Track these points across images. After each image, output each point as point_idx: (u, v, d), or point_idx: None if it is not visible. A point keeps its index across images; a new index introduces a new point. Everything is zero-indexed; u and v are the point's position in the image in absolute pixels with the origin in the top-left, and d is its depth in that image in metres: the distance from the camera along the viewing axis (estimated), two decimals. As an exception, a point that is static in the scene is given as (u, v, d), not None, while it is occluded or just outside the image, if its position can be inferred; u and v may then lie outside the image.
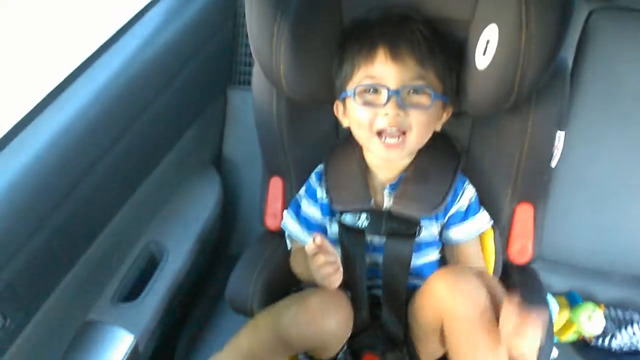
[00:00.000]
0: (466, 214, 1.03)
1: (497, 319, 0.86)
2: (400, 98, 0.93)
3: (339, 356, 1.01)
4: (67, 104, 0.92)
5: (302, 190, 1.12)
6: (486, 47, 0.91)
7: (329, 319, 0.91)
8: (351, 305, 0.97)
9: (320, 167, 1.10)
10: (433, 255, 1.05)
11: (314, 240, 0.90)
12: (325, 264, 0.91)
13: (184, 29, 1.14)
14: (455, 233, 1.03)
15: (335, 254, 0.93)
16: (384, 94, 0.94)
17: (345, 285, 0.99)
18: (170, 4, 1.16)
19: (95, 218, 0.97)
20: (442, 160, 1.04)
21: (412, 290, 1.00)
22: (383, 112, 0.94)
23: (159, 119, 1.08)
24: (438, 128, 1.02)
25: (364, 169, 1.04)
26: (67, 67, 0.99)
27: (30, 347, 0.86)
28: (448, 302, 0.88)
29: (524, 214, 1.08)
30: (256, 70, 1.08)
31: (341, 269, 0.93)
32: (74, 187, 0.89)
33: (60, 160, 0.88)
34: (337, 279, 0.93)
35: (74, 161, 0.91)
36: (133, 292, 1.03)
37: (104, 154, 0.96)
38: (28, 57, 1.12)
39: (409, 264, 0.99)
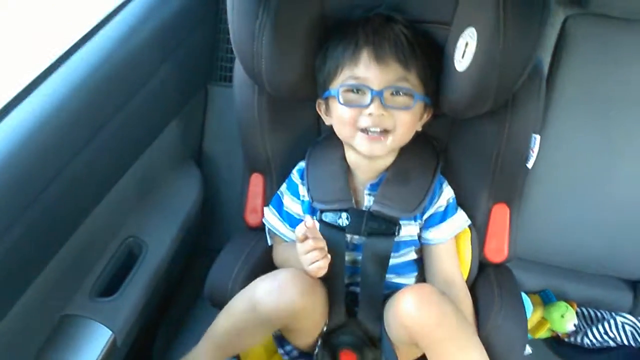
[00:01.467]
0: (444, 215, 1.05)
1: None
2: (383, 99, 0.94)
3: (316, 351, 1.02)
4: (44, 97, 0.91)
5: (284, 187, 1.12)
6: (465, 50, 0.93)
7: (300, 291, 0.92)
8: (326, 295, 0.99)
9: (302, 163, 1.11)
10: (411, 254, 1.07)
11: (305, 222, 0.92)
12: (313, 248, 0.93)
13: (164, 24, 1.14)
14: (433, 234, 1.05)
15: (324, 242, 0.94)
16: (367, 95, 0.95)
17: (324, 281, 1.00)
18: (151, -2, 1.15)
19: (74, 212, 0.96)
20: (422, 160, 1.06)
21: (390, 289, 1.01)
22: (367, 112, 0.95)
23: (139, 114, 1.07)
24: (419, 128, 1.03)
25: (345, 169, 1.05)
26: (44, 60, 0.97)
27: (6, 341, 0.85)
28: (420, 327, 0.89)
29: (499, 214, 1.10)
30: (237, 66, 1.08)
31: (329, 257, 0.94)
32: (52, 180, 0.89)
33: (38, 154, 0.87)
34: (324, 265, 0.94)
35: (52, 154, 0.90)
36: (111, 287, 1.03)
37: (83, 147, 0.95)
38: (2, 50, 1.10)
39: (388, 262, 1.01)
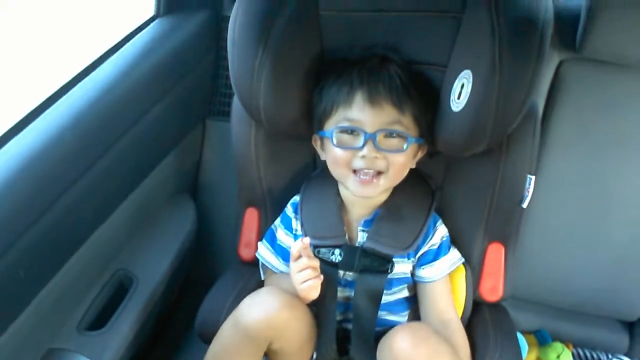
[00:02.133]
0: (437, 254, 1.05)
1: None
2: (376, 142, 0.95)
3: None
4: (41, 129, 0.92)
5: (278, 220, 1.12)
6: (461, 91, 0.94)
7: (280, 304, 0.93)
8: (312, 317, 0.99)
9: (296, 197, 1.11)
10: (404, 292, 1.06)
11: (301, 239, 0.93)
12: (306, 266, 0.93)
13: (165, 59, 1.15)
14: (426, 272, 1.04)
15: (318, 263, 0.95)
16: (360, 137, 0.95)
17: (316, 317, 0.99)
18: (153, 33, 1.17)
19: (66, 243, 0.96)
20: (417, 198, 1.06)
21: (382, 327, 1.00)
22: (360, 154, 0.96)
23: (136, 147, 1.08)
24: (413, 165, 1.04)
25: (340, 204, 1.05)
26: (43, 92, 0.98)
27: (-9, 374, 0.83)
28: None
29: (495, 253, 1.09)
30: (235, 102, 1.09)
31: (321, 277, 0.94)
32: (45, 211, 0.88)
33: (31, 186, 0.87)
34: (316, 285, 0.94)
35: (46, 186, 0.90)
36: (100, 320, 1.01)
37: (78, 178, 0.95)
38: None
39: (380, 300, 1.00)
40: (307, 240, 0.93)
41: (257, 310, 0.93)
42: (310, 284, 0.93)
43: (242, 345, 0.95)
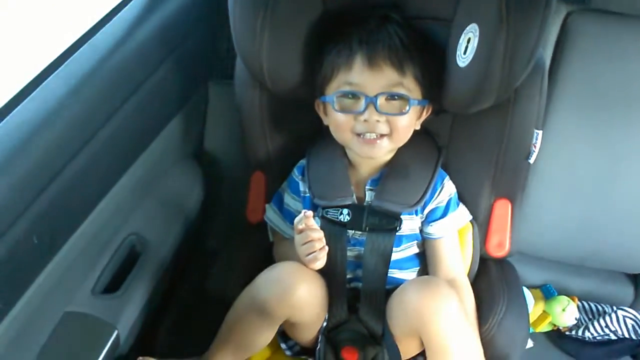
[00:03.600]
0: (445, 210, 1.05)
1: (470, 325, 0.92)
2: (377, 105, 0.94)
3: (318, 347, 1.02)
4: (44, 96, 0.91)
5: (285, 184, 1.12)
6: (467, 46, 0.93)
7: (297, 281, 0.94)
8: (326, 288, 1.00)
9: (302, 161, 1.11)
10: (413, 248, 1.07)
11: (303, 213, 0.93)
12: (310, 239, 0.94)
13: (165, 21, 1.13)
14: (435, 229, 1.05)
15: (322, 233, 0.95)
16: (362, 101, 0.95)
17: (326, 276, 1.00)
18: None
19: (76, 209, 0.96)
20: (423, 156, 1.06)
21: (392, 284, 1.02)
22: (361, 118, 0.95)
23: (140, 112, 1.07)
24: (418, 127, 1.03)
25: (346, 165, 1.05)
26: (43, 58, 0.97)
27: (9, 338, 0.85)
28: (422, 314, 0.90)
29: (501, 209, 1.10)
30: (239, 64, 1.08)
31: (326, 248, 0.95)
32: (53, 178, 0.89)
33: (39, 151, 0.87)
34: (322, 257, 0.95)
35: (53, 152, 0.90)
36: (114, 283, 1.03)
37: (84, 145, 0.95)
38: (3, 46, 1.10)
39: (390, 257, 1.01)
40: (309, 213, 0.93)
41: (275, 289, 0.94)
42: (315, 256, 0.94)
43: (258, 321, 0.96)
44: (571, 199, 1.33)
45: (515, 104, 1.01)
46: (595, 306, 1.43)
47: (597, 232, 1.35)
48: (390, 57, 0.94)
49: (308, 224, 0.94)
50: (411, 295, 0.91)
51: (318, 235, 0.95)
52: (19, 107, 0.89)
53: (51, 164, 0.89)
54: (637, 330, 1.36)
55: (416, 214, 1.04)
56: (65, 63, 0.97)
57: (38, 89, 0.92)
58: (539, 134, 1.04)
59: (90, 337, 0.95)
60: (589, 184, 1.31)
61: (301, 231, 0.94)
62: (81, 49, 1.00)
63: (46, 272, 0.90)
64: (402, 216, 1.02)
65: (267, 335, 1.00)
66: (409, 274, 1.08)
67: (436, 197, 1.05)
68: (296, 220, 0.95)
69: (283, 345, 1.08)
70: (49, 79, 0.94)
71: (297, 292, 0.93)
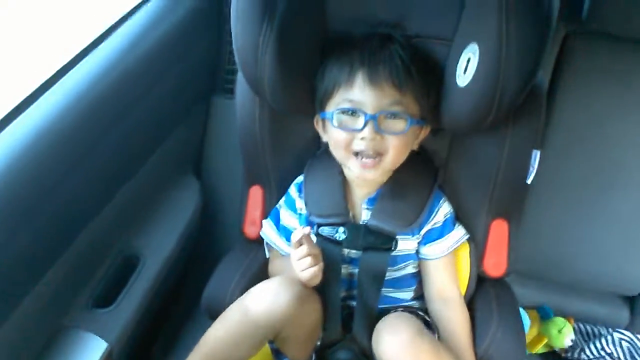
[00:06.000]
0: (441, 232, 1.05)
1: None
2: (377, 123, 0.94)
3: (312, 366, 1.02)
4: (43, 109, 0.91)
5: (282, 201, 1.12)
6: (467, 66, 0.93)
7: (291, 297, 0.93)
8: (321, 305, 0.99)
9: (300, 178, 1.10)
10: (409, 268, 1.07)
11: (302, 229, 0.93)
12: (307, 254, 0.93)
13: (168, 35, 1.14)
14: (430, 250, 1.05)
15: (319, 250, 0.95)
16: (361, 119, 0.95)
17: (320, 294, 1.00)
18: (154, 9, 1.15)
19: (73, 223, 0.96)
20: (420, 176, 1.06)
21: (387, 304, 1.02)
22: (360, 136, 0.95)
23: (141, 125, 1.07)
24: (415, 147, 1.03)
25: (343, 183, 1.05)
26: (44, 71, 0.97)
27: (3, 352, 0.84)
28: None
29: (499, 229, 1.10)
30: (240, 78, 1.08)
31: (322, 264, 0.95)
32: (52, 190, 0.88)
33: (38, 164, 0.87)
34: (317, 272, 0.94)
35: (52, 165, 0.89)
36: (108, 298, 1.02)
37: (83, 157, 0.95)
38: (5, 58, 1.10)
39: (384, 277, 1.01)
40: (307, 229, 0.93)
41: (268, 303, 0.93)
42: (311, 272, 0.94)
43: (247, 334, 0.95)
44: (568, 219, 1.33)
45: (513, 124, 1.01)
46: (592, 328, 1.43)
47: (593, 253, 1.35)
48: (392, 76, 0.95)
49: (306, 239, 0.93)
50: (386, 348, 0.91)
51: (315, 252, 0.95)
52: (15, 120, 0.89)
53: (48, 178, 0.89)
54: (632, 353, 1.36)
55: (412, 235, 1.04)
56: (64, 77, 0.97)
57: (37, 102, 0.92)
58: (537, 154, 1.04)
59: (83, 352, 0.94)
60: (586, 205, 1.32)
61: (298, 246, 0.94)
62: (82, 61, 1.00)
63: (41, 285, 0.89)
64: (398, 236, 1.01)
65: (252, 349, 0.97)
66: (405, 293, 1.07)
67: (433, 218, 1.05)
68: (293, 235, 0.95)
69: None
70: (48, 91, 0.94)
71: (291, 308, 0.92)
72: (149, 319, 1.08)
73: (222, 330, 0.97)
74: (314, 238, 0.99)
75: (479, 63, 0.90)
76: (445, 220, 1.05)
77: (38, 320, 0.91)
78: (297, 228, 1.07)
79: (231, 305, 0.97)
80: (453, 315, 1.03)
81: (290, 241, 1.05)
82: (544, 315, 1.42)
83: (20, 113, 0.89)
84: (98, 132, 0.98)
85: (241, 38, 0.97)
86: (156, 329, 1.16)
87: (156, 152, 1.15)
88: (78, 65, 0.99)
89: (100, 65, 1.01)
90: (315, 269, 0.94)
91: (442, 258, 1.05)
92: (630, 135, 1.27)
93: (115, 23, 1.08)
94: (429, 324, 1.04)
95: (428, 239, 1.05)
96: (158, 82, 1.11)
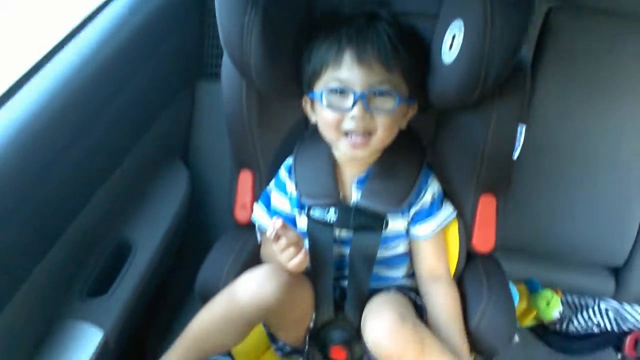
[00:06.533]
0: (430, 211, 1.06)
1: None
2: (366, 102, 0.94)
3: (306, 348, 1.02)
4: (27, 97, 0.90)
5: (272, 183, 1.12)
6: (452, 42, 0.93)
7: (278, 285, 0.93)
8: (312, 289, 1.00)
9: (289, 160, 1.10)
10: (400, 247, 1.08)
11: (273, 223, 0.92)
12: (288, 245, 0.93)
13: (150, 19, 1.12)
14: (419, 229, 1.06)
15: (299, 237, 0.95)
16: (350, 98, 0.95)
17: (312, 276, 1.01)
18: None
19: (62, 212, 0.95)
20: (408, 155, 1.06)
21: (379, 282, 1.03)
22: (349, 115, 0.95)
23: (126, 111, 1.06)
24: (403, 126, 1.04)
25: (333, 164, 1.05)
26: (27, 59, 0.96)
27: (-4, 343, 0.84)
28: (381, 352, 0.91)
29: (486, 205, 1.11)
30: (225, 61, 1.07)
31: (305, 250, 0.95)
32: (40, 181, 0.88)
33: (23, 155, 0.86)
34: (302, 260, 0.95)
35: (38, 155, 0.88)
36: (101, 286, 1.02)
37: (70, 146, 0.94)
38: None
39: (375, 257, 1.02)
40: (279, 220, 0.92)
41: (253, 291, 0.93)
42: (296, 261, 0.94)
43: (234, 321, 0.95)
44: (554, 192, 1.35)
45: (498, 100, 1.01)
46: (579, 299, 1.45)
47: (580, 226, 1.37)
48: (379, 55, 0.95)
49: (280, 231, 0.93)
50: (376, 334, 0.91)
51: (294, 239, 0.94)
52: (0, 108, 0.88)
53: (35, 168, 0.88)
54: (618, 322, 1.38)
55: (402, 214, 1.05)
56: (48, 64, 0.95)
57: (20, 91, 0.91)
58: (522, 128, 1.05)
59: (78, 342, 0.94)
60: (571, 177, 1.33)
61: (277, 239, 0.94)
62: (64, 48, 0.99)
63: (33, 276, 0.89)
64: (388, 216, 1.02)
65: (239, 336, 0.98)
66: (397, 271, 1.09)
67: (422, 197, 1.05)
68: (267, 231, 0.94)
69: (273, 346, 1.07)
70: (31, 80, 0.92)
71: (277, 297, 0.93)
72: (143, 306, 1.08)
73: (208, 317, 0.97)
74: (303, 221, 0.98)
75: (464, 39, 0.91)
76: (433, 200, 1.06)
77: (32, 311, 0.90)
78: (288, 211, 1.08)
79: (219, 293, 0.98)
80: (442, 293, 1.04)
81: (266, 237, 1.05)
82: (532, 288, 1.44)
83: (4, 102, 0.87)
84: (83, 120, 0.97)
85: (225, 19, 0.96)
86: (150, 316, 1.16)
87: (143, 139, 1.14)
88: (60, 54, 0.98)
89: (82, 52, 0.99)
90: (300, 256, 0.94)
91: (432, 237, 1.06)
92: (614, 109, 1.29)
93: (96, 9, 1.06)
94: (418, 305, 1.05)
95: (417, 219, 1.05)
96: (142, 68, 1.10)
